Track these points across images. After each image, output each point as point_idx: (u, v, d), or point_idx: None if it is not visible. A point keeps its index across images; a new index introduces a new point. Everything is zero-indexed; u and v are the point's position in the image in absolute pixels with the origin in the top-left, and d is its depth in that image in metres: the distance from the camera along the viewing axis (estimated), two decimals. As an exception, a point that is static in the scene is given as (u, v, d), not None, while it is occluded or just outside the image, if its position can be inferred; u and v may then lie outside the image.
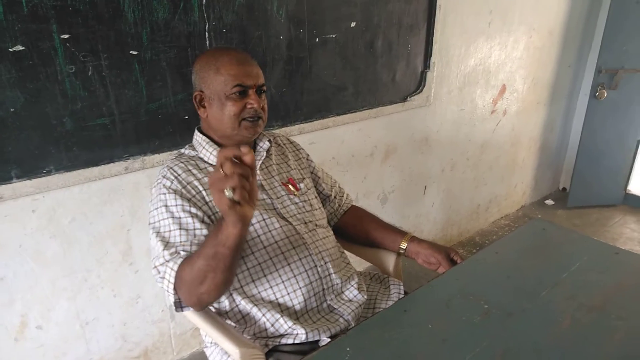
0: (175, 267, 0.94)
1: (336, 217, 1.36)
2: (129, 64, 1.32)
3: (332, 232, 1.25)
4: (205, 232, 1.00)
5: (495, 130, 2.82)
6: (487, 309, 0.95)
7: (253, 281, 1.06)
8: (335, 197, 1.36)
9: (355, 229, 1.34)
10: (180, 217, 1.01)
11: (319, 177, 1.33)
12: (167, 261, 0.96)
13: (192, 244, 0.98)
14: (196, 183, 1.06)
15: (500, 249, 1.18)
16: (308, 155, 1.35)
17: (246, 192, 0.76)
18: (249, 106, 1.07)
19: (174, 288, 0.95)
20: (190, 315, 1.08)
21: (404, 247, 1.25)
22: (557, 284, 1.03)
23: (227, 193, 0.75)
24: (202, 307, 0.99)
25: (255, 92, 1.07)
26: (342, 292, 1.16)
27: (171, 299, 0.98)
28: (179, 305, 1.00)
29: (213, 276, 0.89)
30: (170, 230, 1.00)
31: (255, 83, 1.07)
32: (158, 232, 1.01)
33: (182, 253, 0.96)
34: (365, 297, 1.18)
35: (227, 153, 0.76)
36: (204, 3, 1.40)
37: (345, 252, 1.29)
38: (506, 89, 2.76)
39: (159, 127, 1.43)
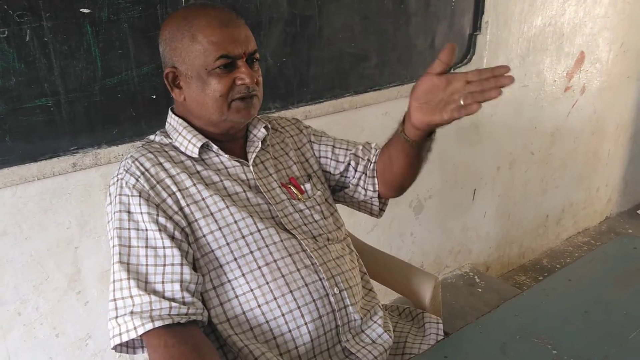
0: (140, 332, 0.97)
1: (370, 178, 1.31)
2: (79, 26, 1.34)
3: (351, 248, 1.27)
4: (176, 252, 1.03)
5: (570, 113, 2.82)
6: (556, 356, 0.96)
7: (244, 313, 1.08)
8: (359, 159, 1.32)
9: (387, 171, 1.29)
10: (146, 230, 1.04)
11: (329, 159, 1.32)
12: (132, 312, 0.98)
13: (165, 273, 1.01)
14: (169, 182, 1.09)
15: (575, 275, 1.19)
16: (311, 135, 1.34)
17: None
18: (239, 82, 1.09)
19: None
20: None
21: (402, 130, 1.17)
22: (651, 323, 1.04)
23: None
24: None
25: (245, 63, 1.10)
26: (363, 332, 1.17)
27: (114, 341, 1.00)
28: (130, 346, 1.03)
29: None
30: (130, 246, 1.03)
31: (245, 50, 1.09)
32: (115, 245, 1.04)
33: (153, 298, 0.99)
34: (393, 338, 1.20)
35: None
36: (178, -56, 1.43)
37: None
38: (585, 57, 2.75)
39: (117, 110, 1.46)
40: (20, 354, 1.52)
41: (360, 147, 1.34)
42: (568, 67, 2.70)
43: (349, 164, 1.33)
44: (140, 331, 0.97)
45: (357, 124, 2.02)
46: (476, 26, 2.20)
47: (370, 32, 1.89)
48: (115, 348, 1.02)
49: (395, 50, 1.98)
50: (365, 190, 1.32)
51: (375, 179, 1.31)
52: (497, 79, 0.98)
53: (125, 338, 0.98)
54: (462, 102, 1.01)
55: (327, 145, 1.34)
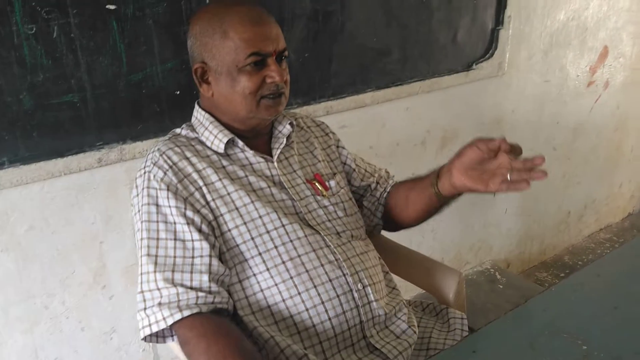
0: (170, 322, 0.99)
1: (381, 206, 1.37)
2: (105, 22, 1.35)
3: (372, 247, 1.27)
4: (205, 244, 1.04)
5: (593, 109, 2.79)
6: (586, 352, 0.95)
7: (269, 307, 1.09)
8: (377, 185, 1.37)
9: (398, 208, 1.34)
10: (175, 223, 1.05)
11: (353, 170, 1.35)
12: (160, 303, 1.00)
13: (194, 264, 1.02)
14: (195, 176, 1.10)
15: (604, 271, 1.18)
16: (339, 140, 1.37)
17: None
18: (269, 80, 1.09)
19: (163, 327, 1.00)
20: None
21: (436, 182, 1.19)
22: (683, 319, 1.03)
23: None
24: None
25: (275, 61, 1.10)
26: (387, 327, 1.17)
27: (144, 332, 1.02)
28: (160, 335, 1.04)
29: None
30: (159, 239, 1.04)
31: (275, 48, 1.09)
32: (143, 238, 1.05)
33: (180, 290, 1.00)
34: (417, 333, 1.19)
35: None
36: (201, -60, 1.44)
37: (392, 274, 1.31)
38: (609, 52, 2.72)
39: (142, 106, 1.47)
40: (47, 347, 1.54)
41: (383, 174, 1.40)
42: (591, 62, 2.67)
43: (369, 185, 1.37)
44: (170, 321, 0.98)
45: (379, 119, 2.01)
46: (498, 20, 2.18)
47: (392, 27, 1.89)
48: (145, 338, 1.03)
49: (417, 45, 1.97)
50: (374, 216, 1.37)
51: (383, 207, 1.37)
52: (530, 171, 1.08)
53: (155, 329, 1.00)
54: (509, 177, 1.06)
55: (352, 160, 1.37)
